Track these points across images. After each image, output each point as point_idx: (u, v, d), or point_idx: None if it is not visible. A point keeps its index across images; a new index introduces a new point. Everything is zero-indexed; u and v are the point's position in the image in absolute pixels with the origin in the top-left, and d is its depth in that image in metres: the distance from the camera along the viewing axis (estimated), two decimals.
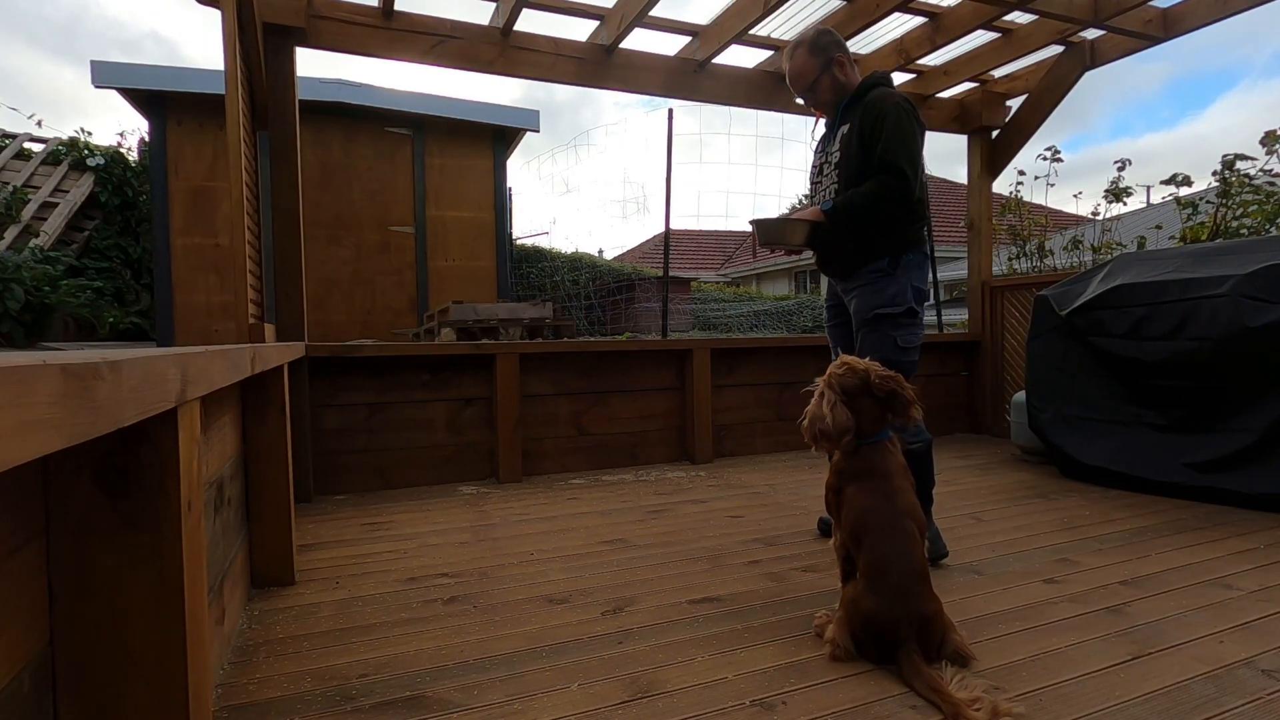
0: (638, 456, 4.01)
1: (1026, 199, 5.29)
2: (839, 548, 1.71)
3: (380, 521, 2.86)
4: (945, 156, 26.83)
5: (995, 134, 4.77)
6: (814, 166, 2.59)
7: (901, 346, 2.30)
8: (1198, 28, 3.73)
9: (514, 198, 7.48)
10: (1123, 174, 4.90)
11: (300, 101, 3.31)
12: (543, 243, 10.17)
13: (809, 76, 2.42)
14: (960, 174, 6.42)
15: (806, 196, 2.65)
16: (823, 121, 2.58)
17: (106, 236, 6.70)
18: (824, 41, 2.42)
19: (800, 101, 2.54)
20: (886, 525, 1.58)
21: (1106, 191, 4.94)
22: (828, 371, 1.73)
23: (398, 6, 3.33)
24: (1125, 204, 4.96)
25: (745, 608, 1.89)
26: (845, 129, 2.38)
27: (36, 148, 7.07)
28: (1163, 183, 4.73)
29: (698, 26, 3.86)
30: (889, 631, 1.48)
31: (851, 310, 2.42)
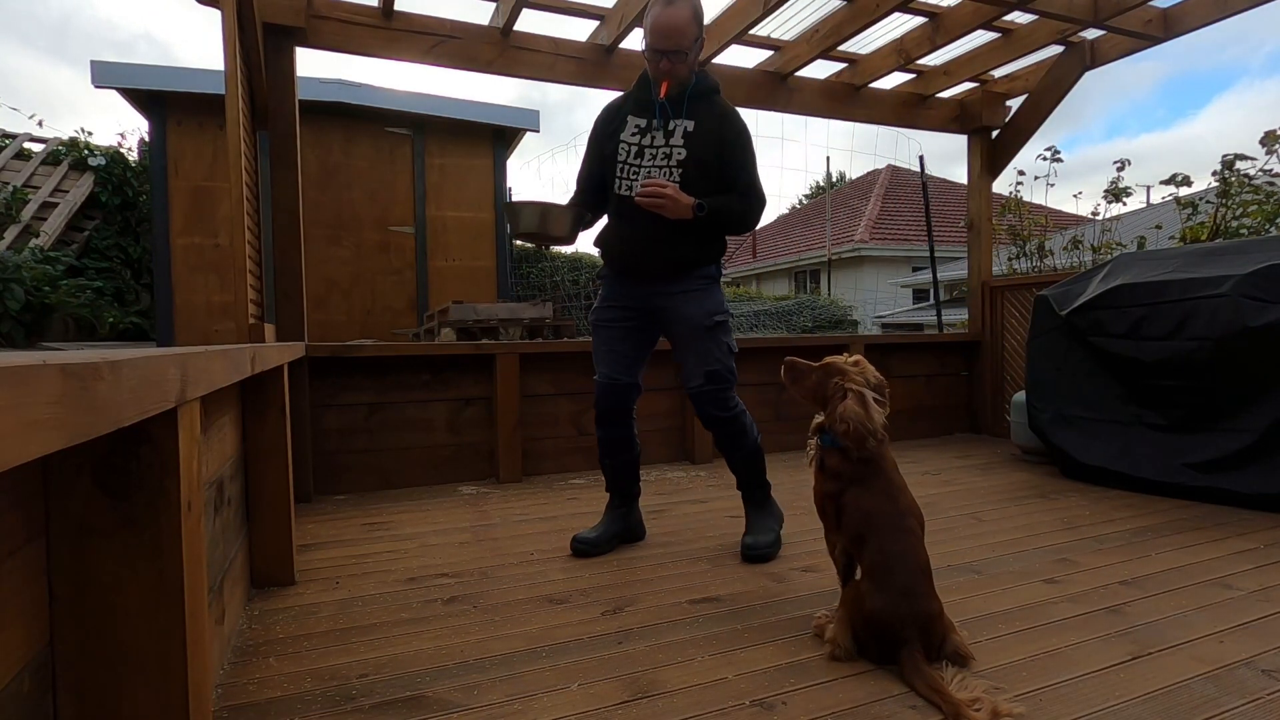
0: None
1: (1026, 199, 5.29)
2: (840, 554, 1.70)
3: (380, 521, 2.86)
4: (945, 156, 26.85)
5: (995, 134, 4.77)
6: (626, 146, 2.24)
7: (731, 351, 2.31)
8: (1198, 28, 3.73)
9: (514, 198, 7.49)
10: (1122, 174, 4.90)
11: (300, 101, 3.31)
12: None
13: (688, 39, 2.12)
14: (960, 174, 6.43)
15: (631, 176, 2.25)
16: (626, 97, 2.31)
17: (106, 236, 6.70)
18: (702, 13, 2.19)
19: (650, 57, 2.15)
20: (892, 524, 1.57)
21: (1106, 191, 4.94)
22: (843, 370, 1.66)
23: (398, 6, 3.33)
24: (1125, 204, 4.96)
25: (745, 608, 1.89)
26: (690, 125, 2.19)
27: (36, 148, 7.07)
28: (1162, 183, 4.74)
29: None
30: (893, 631, 1.48)
31: (678, 315, 2.26)
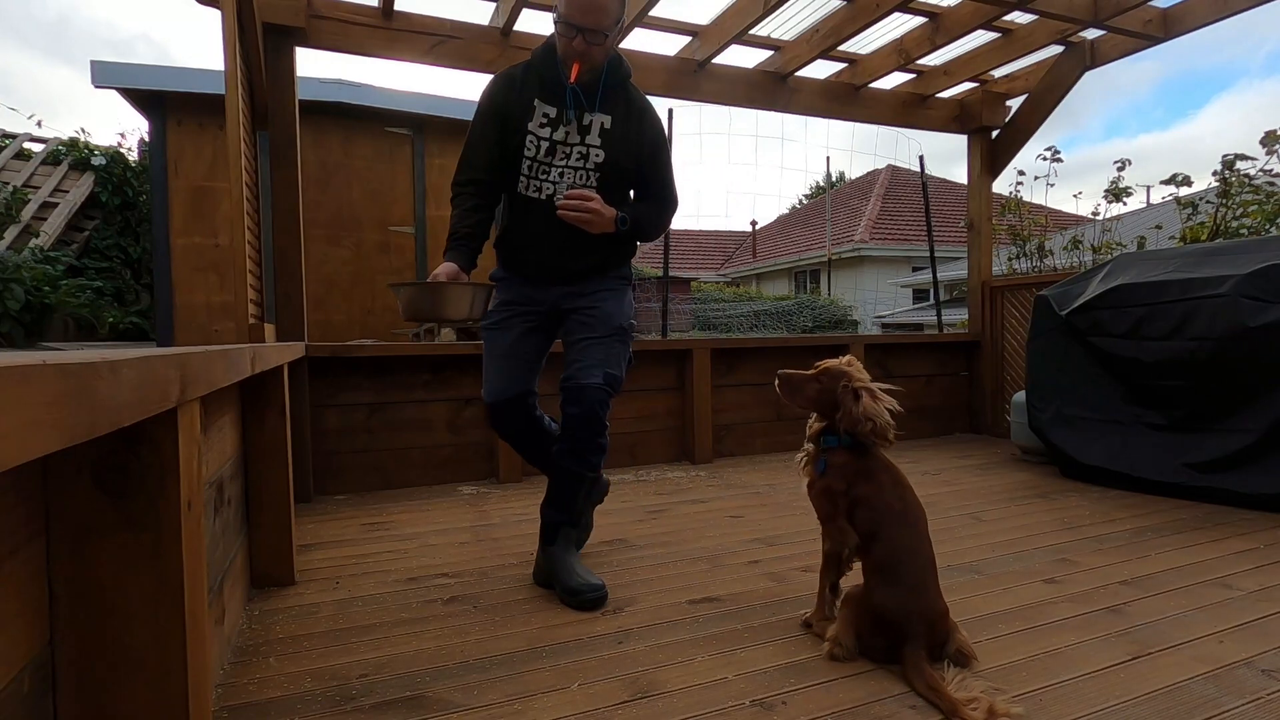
0: (637, 456, 4.01)
1: (1026, 199, 5.29)
2: (830, 552, 1.68)
3: (380, 521, 2.86)
4: (945, 156, 26.91)
5: (995, 134, 4.77)
6: (535, 141, 1.94)
7: (626, 364, 2.08)
8: (1198, 28, 3.73)
9: None
10: (1122, 174, 4.91)
11: (300, 101, 3.31)
12: None
13: (610, 19, 1.83)
14: (960, 174, 6.42)
15: (544, 172, 1.98)
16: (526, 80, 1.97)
17: (106, 236, 6.70)
18: None
19: (561, 31, 1.85)
20: (902, 520, 1.58)
21: (1106, 191, 4.94)
22: (847, 372, 1.66)
23: (398, 6, 3.33)
24: (1125, 204, 4.96)
25: (745, 608, 1.89)
26: (606, 122, 1.95)
27: (36, 148, 7.07)
28: (1163, 183, 4.74)
29: (698, 26, 3.86)
30: (900, 627, 1.47)
31: (594, 313, 2.03)
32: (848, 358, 1.73)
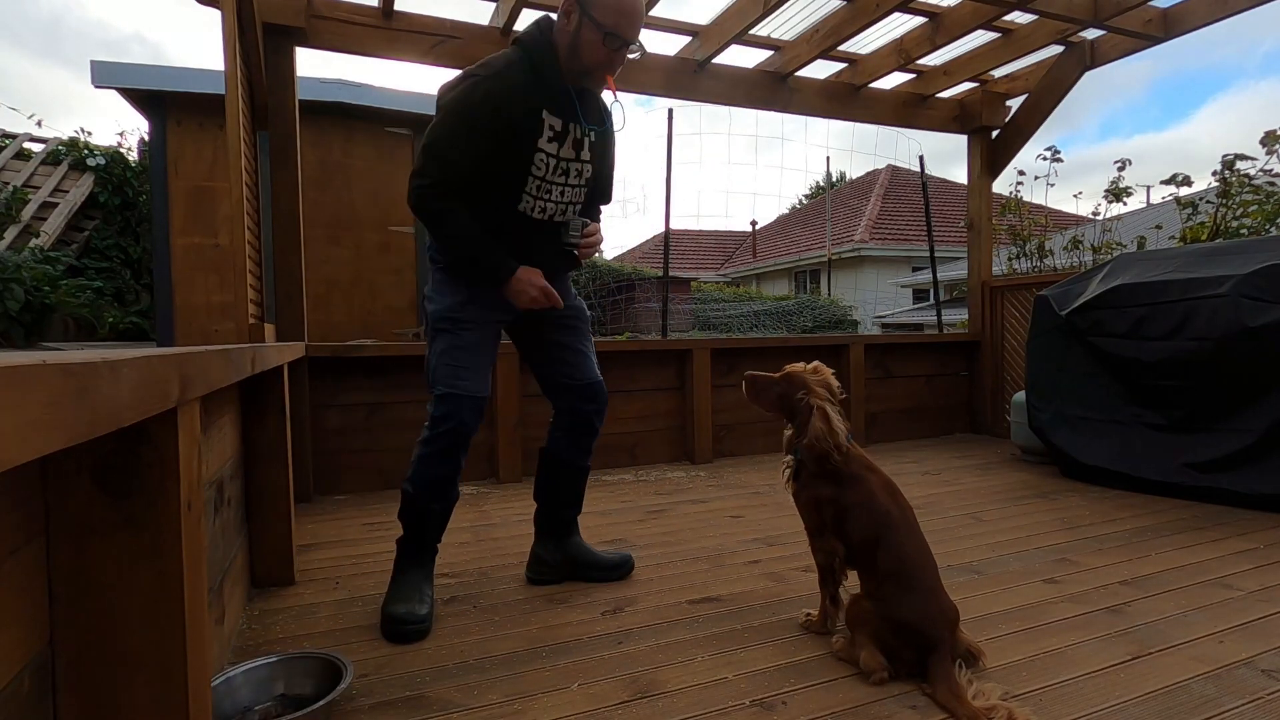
0: (638, 456, 4.01)
1: (1026, 199, 5.29)
2: (840, 568, 1.66)
3: (380, 521, 2.86)
4: (945, 156, 26.87)
5: (995, 134, 4.77)
6: (544, 159, 1.75)
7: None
8: (1198, 27, 3.73)
9: None
10: (1123, 174, 4.91)
11: (300, 101, 3.31)
12: None
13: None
14: (960, 174, 6.42)
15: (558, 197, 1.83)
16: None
17: (106, 236, 6.70)
18: None
19: (607, 43, 1.69)
20: (903, 523, 1.56)
21: (1106, 191, 4.95)
22: (806, 383, 1.67)
23: (398, 6, 3.33)
24: (1125, 204, 4.97)
25: (745, 608, 1.89)
26: (594, 134, 1.81)
27: (36, 148, 7.07)
28: (1163, 183, 4.74)
29: (698, 26, 3.86)
30: (926, 634, 1.43)
31: (574, 316, 2.04)
32: (814, 364, 1.74)
